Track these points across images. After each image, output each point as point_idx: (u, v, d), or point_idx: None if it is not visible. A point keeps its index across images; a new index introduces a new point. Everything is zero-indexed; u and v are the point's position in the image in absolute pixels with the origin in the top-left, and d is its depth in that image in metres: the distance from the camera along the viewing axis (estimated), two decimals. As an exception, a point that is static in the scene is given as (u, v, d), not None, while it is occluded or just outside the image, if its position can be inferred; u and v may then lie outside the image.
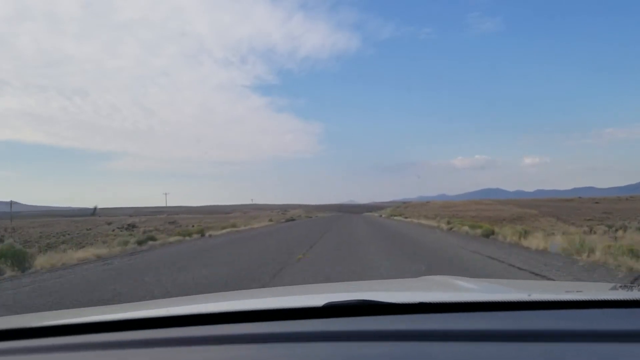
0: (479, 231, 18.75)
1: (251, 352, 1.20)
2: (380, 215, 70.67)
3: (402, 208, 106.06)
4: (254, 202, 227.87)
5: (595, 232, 21.82)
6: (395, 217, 58.86)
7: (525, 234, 14.58)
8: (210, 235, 24.20)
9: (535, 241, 12.89)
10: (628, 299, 1.37)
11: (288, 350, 1.18)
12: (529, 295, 1.53)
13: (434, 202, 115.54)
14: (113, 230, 50.76)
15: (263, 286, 7.17)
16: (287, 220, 51.78)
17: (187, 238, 21.61)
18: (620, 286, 1.62)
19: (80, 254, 12.92)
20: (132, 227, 53.81)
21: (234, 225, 33.63)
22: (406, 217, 53.54)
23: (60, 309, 5.84)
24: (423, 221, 37.70)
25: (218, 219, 67.31)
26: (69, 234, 39.11)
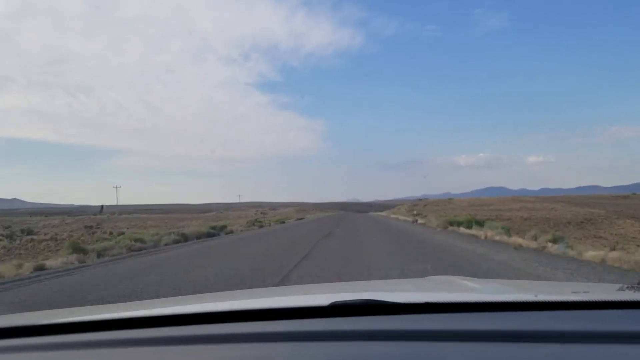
0: None
1: (257, 351, 1.20)
2: (415, 221, 34.95)
3: (420, 206, 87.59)
4: (241, 201, 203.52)
5: None
6: (463, 231, 21.36)
7: None
8: None
9: None
10: (635, 299, 1.36)
11: (294, 349, 1.18)
12: (536, 295, 1.54)
13: (459, 200, 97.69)
14: (-9, 239, 32.62)
15: None
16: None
17: None
18: (628, 287, 1.59)
19: None
20: (25, 233, 35.37)
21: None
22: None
23: None
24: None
25: (170, 221, 49.69)
26: None
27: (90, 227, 38.47)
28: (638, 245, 22.25)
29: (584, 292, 1.64)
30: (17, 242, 30.45)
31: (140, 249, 15.67)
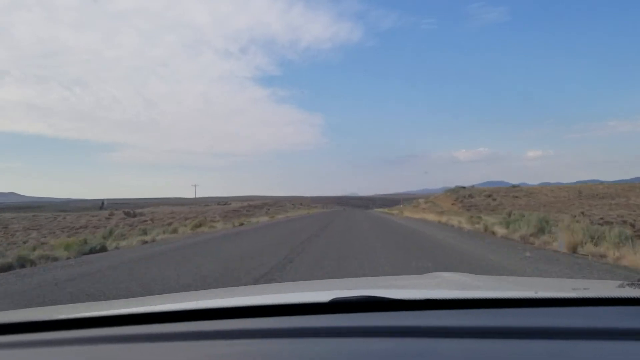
0: None
1: (258, 347, 1.19)
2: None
3: (480, 199, 46.36)
4: (198, 196, 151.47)
5: None
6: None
7: None
8: None
9: None
10: (635, 296, 1.35)
11: (294, 345, 1.18)
12: (536, 292, 1.52)
13: (542, 189, 57.71)
14: None
15: None
16: None
17: None
18: (628, 284, 1.59)
19: None
20: None
21: None
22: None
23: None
24: None
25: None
26: None
27: None
28: None
29: (584, 288, 1.62)
30: None
31: None
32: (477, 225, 19.64)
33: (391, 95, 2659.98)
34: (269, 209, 62.69)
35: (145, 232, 18.84)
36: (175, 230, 20.22)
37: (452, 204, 46.74)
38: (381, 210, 79.75)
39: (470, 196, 49.96)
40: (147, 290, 6.69)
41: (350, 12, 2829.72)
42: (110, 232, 19.48)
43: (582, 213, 29.72)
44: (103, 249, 13.00)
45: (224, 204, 77.50)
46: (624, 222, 25.60)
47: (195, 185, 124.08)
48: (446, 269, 8.94)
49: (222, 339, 1.21)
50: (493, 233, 16.57)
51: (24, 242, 22.66)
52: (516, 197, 48.59)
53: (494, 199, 46.89)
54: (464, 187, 66.15)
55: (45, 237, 31.19)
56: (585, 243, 10.10)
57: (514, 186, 61.86)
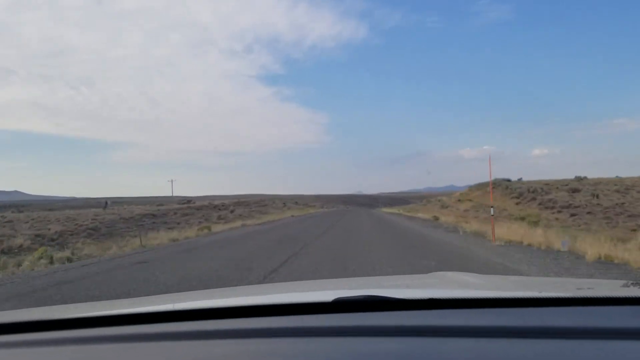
0: None
1: (261, 346, 1.20)
2: None
3: (534, 196, 29.02)
4: (175, 194, 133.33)
5: None
6: None
7: None
8: None
9: None
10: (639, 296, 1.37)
11: (297, 344, 1.19)
12: (540, 292, 1.53)
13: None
14: None
15: None
16: None
17: None
18: (632, 283, 1.59)
19: None
20: None
21: None
22: None
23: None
24: None
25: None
26: None
27: None
28: None
29: (588, 288, 1.62)
30: None
31: None
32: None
33: (395, 94, 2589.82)
34: (233, 210, 45.44)
35: None
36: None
37: (517, 204, 30.64)
38: (395, 211, 61.68)
39: (545, 192, 33.60)
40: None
41: (355, 10, 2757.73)
42: None
43: None
44: None
45: (185, 203, 61.36)
46: None
47: (172, 181, 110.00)
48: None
49: (225, 339, 1.21)
50: None
51: None
52: (618, 192, 32.30)
53: (595, 196, 30.77)
54: (508, 180, 49.91)
55: None
56: None
57: (578, 179, 45.73)
